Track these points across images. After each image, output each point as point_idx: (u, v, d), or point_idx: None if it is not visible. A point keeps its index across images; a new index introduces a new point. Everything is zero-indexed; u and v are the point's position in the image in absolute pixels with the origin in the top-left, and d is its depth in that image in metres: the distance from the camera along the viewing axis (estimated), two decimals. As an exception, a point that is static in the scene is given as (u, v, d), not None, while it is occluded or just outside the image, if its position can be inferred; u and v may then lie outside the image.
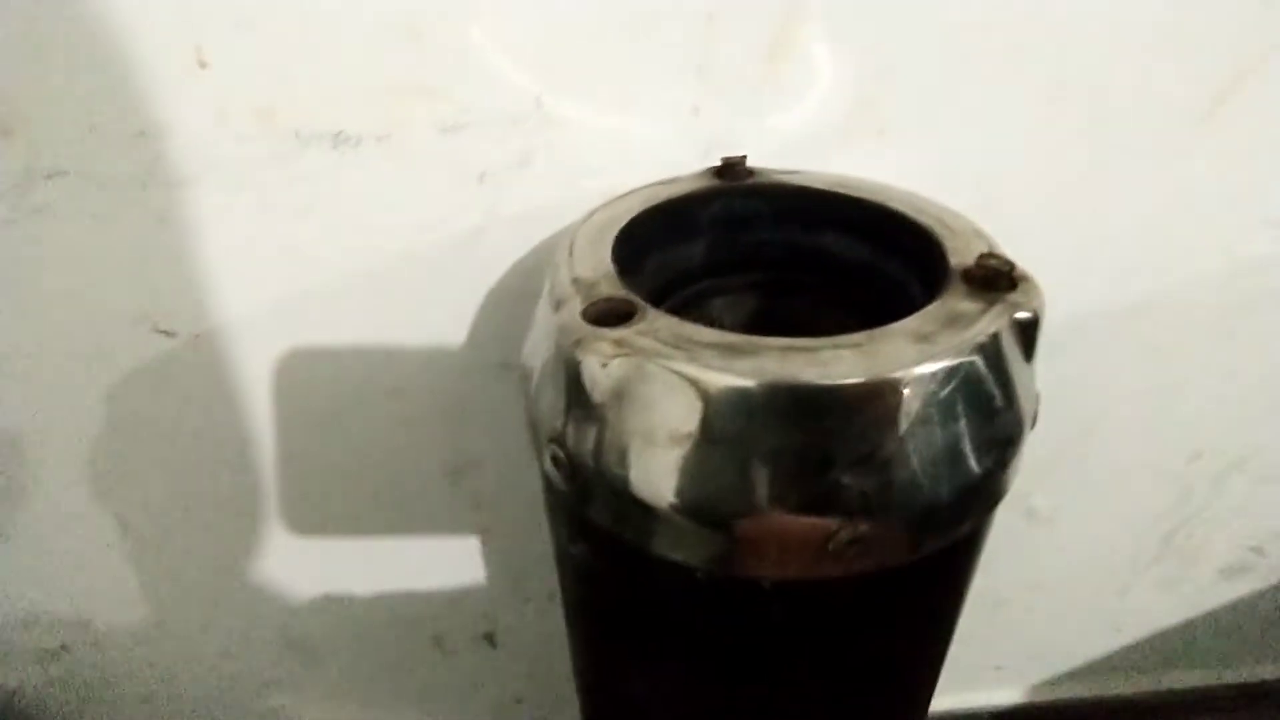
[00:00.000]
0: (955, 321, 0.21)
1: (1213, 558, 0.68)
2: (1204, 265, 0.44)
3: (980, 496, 0.23)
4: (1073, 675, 0.80)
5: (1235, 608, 0.72)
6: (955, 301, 0.22)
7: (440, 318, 0.40)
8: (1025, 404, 0.23)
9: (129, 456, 0.47)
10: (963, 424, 0.21)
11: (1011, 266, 0.23)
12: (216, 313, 0.40)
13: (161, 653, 0.58)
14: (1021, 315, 0.22)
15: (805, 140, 0.33)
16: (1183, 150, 0.37)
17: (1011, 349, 0.22)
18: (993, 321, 0.22)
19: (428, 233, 0.36)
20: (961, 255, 0.24)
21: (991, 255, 0.23)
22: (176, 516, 0.50)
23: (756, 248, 0.31)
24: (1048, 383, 0.48)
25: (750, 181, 0.30)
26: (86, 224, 0.36)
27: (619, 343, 0.21)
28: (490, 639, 0.62)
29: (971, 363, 0.21)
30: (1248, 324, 0.48)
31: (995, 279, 0.23)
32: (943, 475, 0.21)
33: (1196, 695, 0.84)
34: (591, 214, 0.28)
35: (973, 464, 0.22)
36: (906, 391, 0.20)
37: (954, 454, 0.21)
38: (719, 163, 0.31)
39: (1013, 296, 0.22)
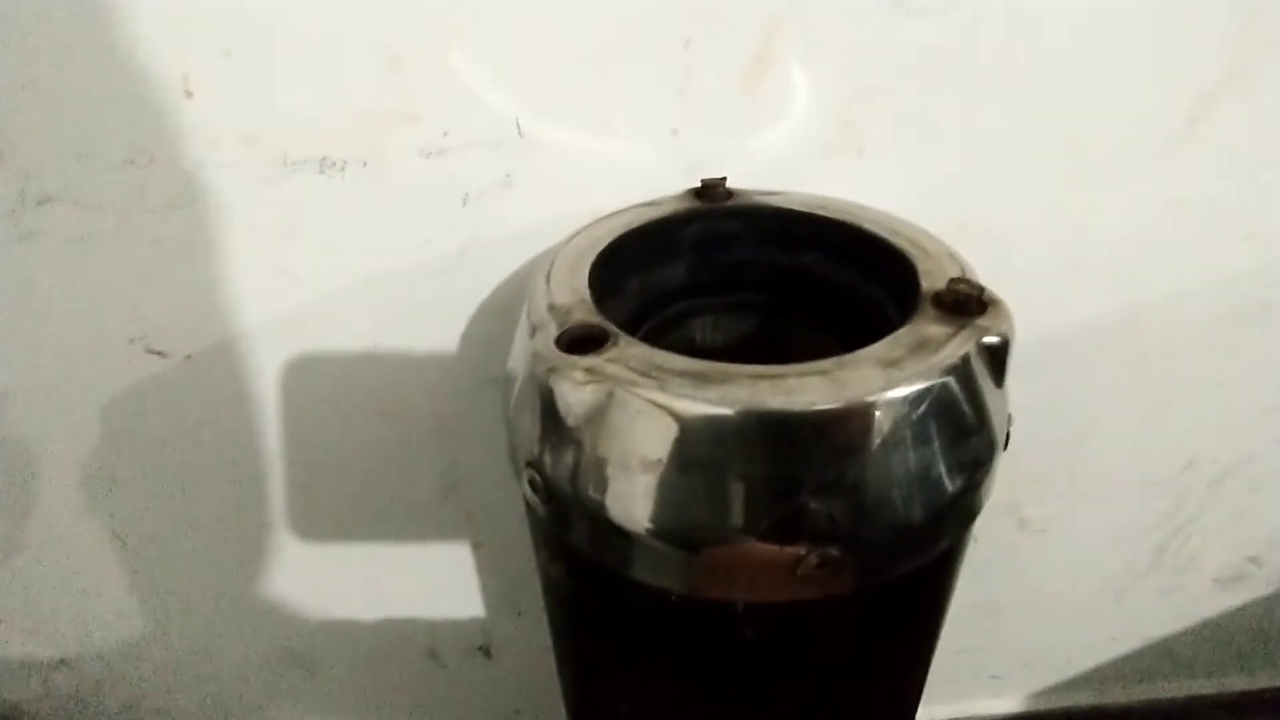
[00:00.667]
0: (923, 346, 0.22)
1: (1208, 567, 0.68)
2: (1188, 279, 0.44)
3: (952, 517, 0.23)
4: (1069, 684, 0.80)
5: (1232, 616, 0.72)
6: (925, 325, 0.23)
7: (429, 335, 0.40)
8: (996, 425, 0.24)
9: (125, 475, 0.47)
10: (932, 447, 0.21)
11: (980, 290, 0.23)
12: (207, 334, 0.40)
13: (161, 666, 0.58)
14: (990, 339, 0.22)
15: (785, 160, 0.33)
16: (1161, 167, 0.37)
17: (980, 372, 0.22)
18: (960, 346, 0.22)
19: (414, 253, 0.36)
20: (933, 279, 0.25)
21: (962, 280, 0.24)
22: (174, 533, 0.51)
23: (736, 268, 0.31)
24: (1037, 395, 0.48)
25: (730, 203, 0.31)
26: (78, 248, 0.36)
27: (591, 370, 0.21)
28: (485, 651, 0.63)
29: (939, 387, 0.21)
30: (1234, 335, 0.48)
31: (964, 303, 0.23)
32: (913, 498, 0.21)
33: (1193, 703, 0.84)
34: (572, 237, 0.29)
35: (943, 486, 0.22)
36: (874, 417, 0.20)
37: (924, 477, 0.22)
38: (699, 183, 0.32)
39: (981, 321, 0.23)
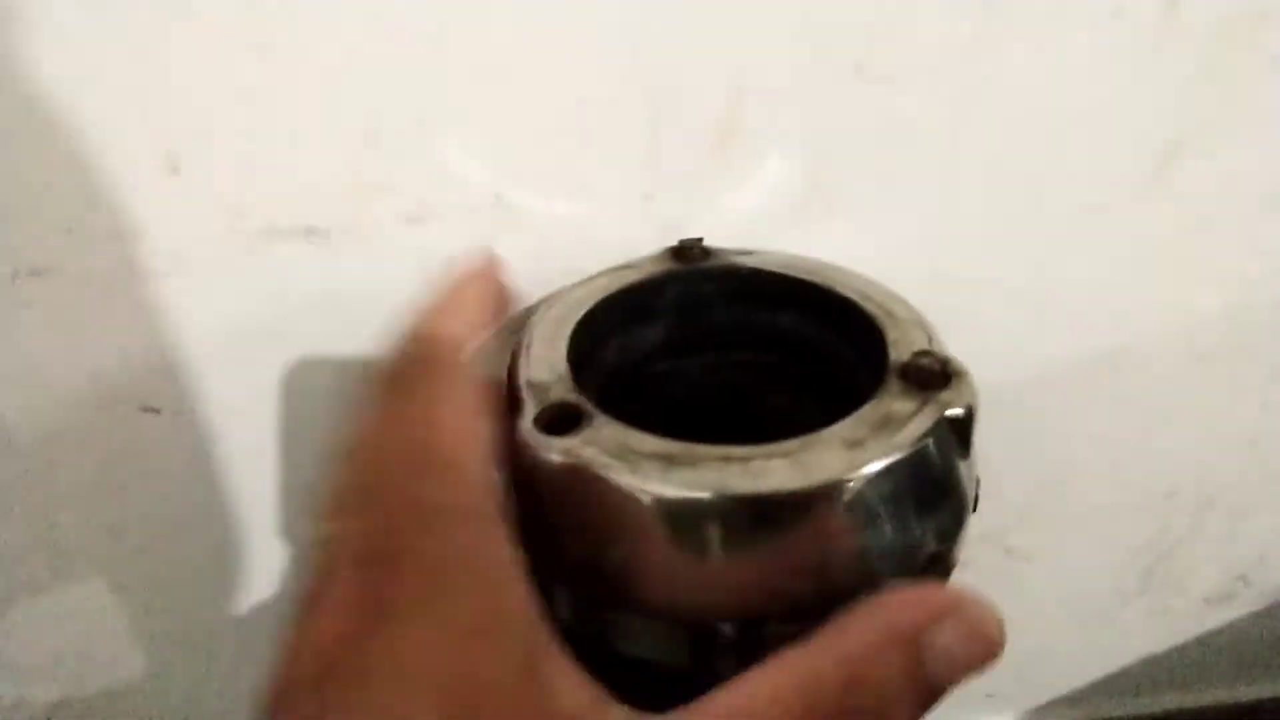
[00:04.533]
0: (886, 424, 0.22)
1: (1196, 587, 0.68)
2: (1158, 322, 0.45)
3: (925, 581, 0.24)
4: (1063, 700, 0.80)
5: (1223, 632, 0.73)
6: (889, 401, 0.23)
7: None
8: (964, 491, 0.24)
9: (121, 523, 0.48)
10: (899, 522, 0.22)
11: (945, 363, 0.24)
12: (200, 392, 0.41)
13: (160, 704, 0.59)
14: (953, 413, 0.23)
15: (760, 219, 0.33)
16: (1128, 218, 0.38)
17: (944, 444, 0.23)
18: (923, 422, 0.22)
19: (400, 315, 0.37)
20: (901, 348, 0.25)
21: (926, 353, 0.24)
22: (169, 576, 0.51)
23: (714, 329, 0.32)
24: (1018, 431, 0.50)
25: (705, 265, 0.31)
26: (70, 316, 0.37)
27: (566, 452, 0.22)
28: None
29: (902, 463, 0.22)
30: (1205, 374, 0.49)
31: (929, 377, 0.24)
32: (882, 571, 0.22)
33: (1187, 715, 0.84)
34: (550, 304, 0.29)
35: (913, 556, 0.23)
36: (839, 498, 0.21)
37: (892, 549, 0.22)
38: (676, 243, 0.32)
39: (945, 394, 0.23)
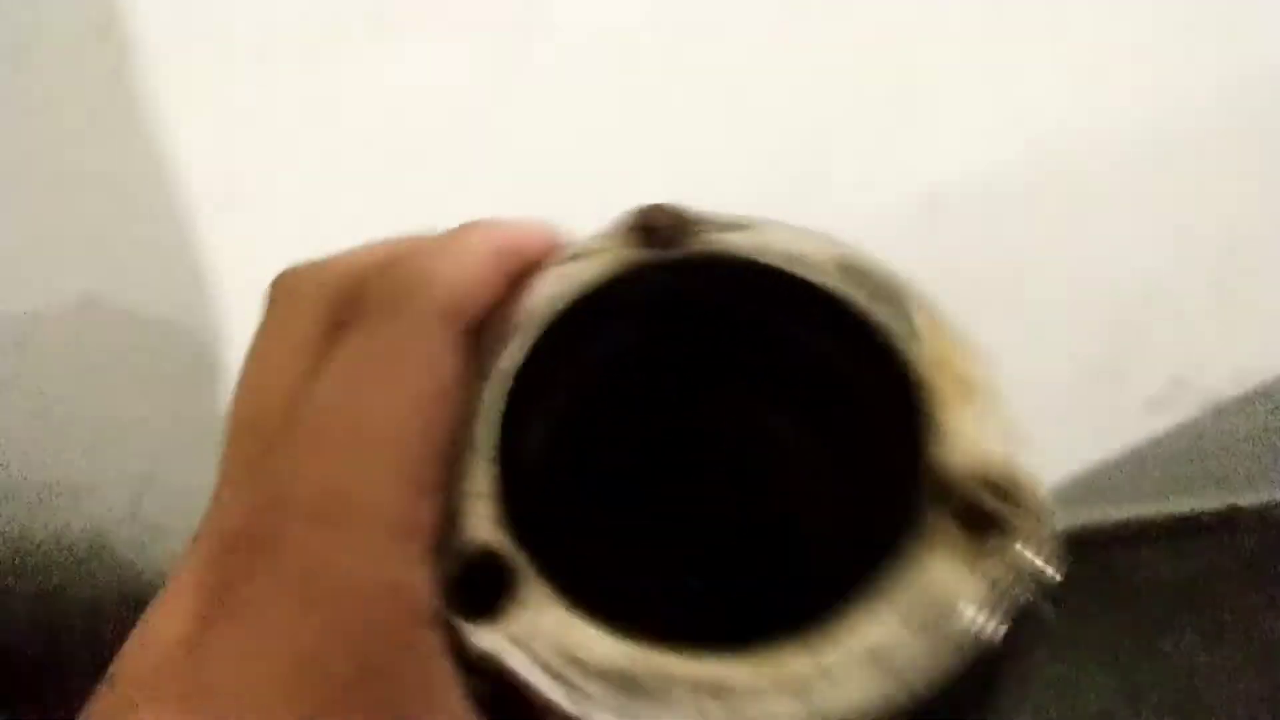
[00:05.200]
0: (933, 612, 0.16)
1: (1138, 389, 0.73)
2: (1107, 123, 0.50)
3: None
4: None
5: (1162, 441, 0.76)
6: (932, 565, 0.17)
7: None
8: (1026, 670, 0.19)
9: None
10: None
11: (1013, 484, 0.17)
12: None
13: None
14: (1030, 590, 0.16)
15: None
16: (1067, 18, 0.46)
17: (1018, 632, 0.17)
18: (990, 607, 0.16)
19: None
20: (955, 449, 0.18)
21: (993, 484, 0.17)
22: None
23: (693, 338, 0.24)
24: (972, 232, 0.55)
25: (682, 254, 0.23)
26: None
27: (486, 653, 0.16)
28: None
29: (960, 682, 0.16)
30: (1148, 176, 0.55)
31: (983, 517, 0.17)
32: None
33: (1134, 527, 0.88)
34: (482, 364, 0.21)
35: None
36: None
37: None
38: (640, 215, 0.23)
39: (1014, 548, 0.17)
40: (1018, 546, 0.16)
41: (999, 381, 0.19)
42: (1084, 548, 0.91)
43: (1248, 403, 0.78)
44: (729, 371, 0.24)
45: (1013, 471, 0.17)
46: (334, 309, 0.19)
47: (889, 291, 0.21)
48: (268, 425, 0.17)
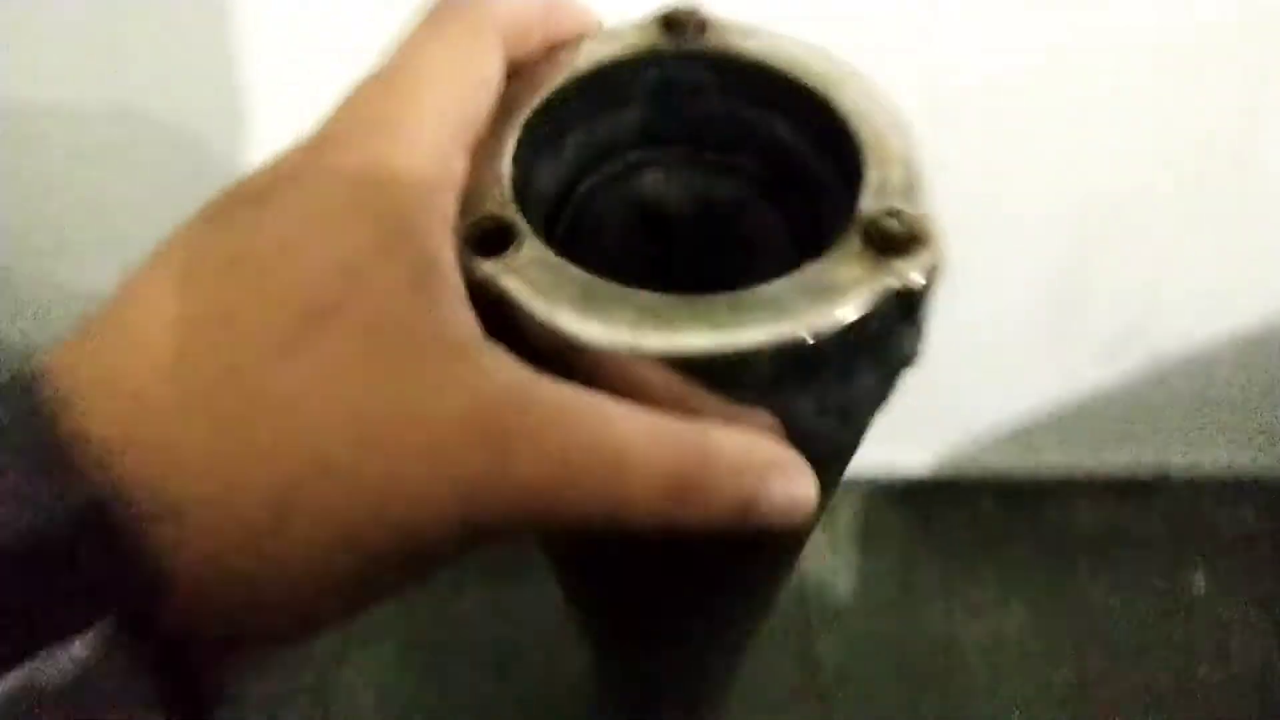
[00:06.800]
0: (826, 293, 0.21)
1: (1097, 327, 0.75)
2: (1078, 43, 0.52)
3: (835, 444, 0.23)
4: (972, 447, 0.90)
5: (1106, 394, 0.78)
6: (839, 264, 0.21)
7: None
8: (906, 358, 0.23)
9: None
10: (823, 390, 0.22)
11: (913, 228, 0.22)
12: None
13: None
14: (906, 287, 0.21)
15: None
16: None
17: (887, 322, 0.21)
18: (866, 300, 0.21)
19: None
20: (875, 196, 0.23)
21: (896, 212, 0.22)
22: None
23: (696, 121, 0.29)
24: (945, 134, 0.54)
25: (697, 46, 0.27)
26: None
27: (486, 279, 0.21)
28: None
29: (831, 342, 0.20)
30: (1119, 94, 0.56)
31: (890, 244, 0.21)
32: (802, 422, 0.22)
33: (1066, 479, 0.92)
34: (510, 82, 0.26)
35: (829, 422, 0.22)
36: (754, 368, 0.20)
37: (808, 411, 0.22)
38: (668, 9, 0.28)
39: (904, 264, 0.21)
40: (905, 262, 0.21)
41: (919, 157, 0.23)
42: (1017, 495, 0.95)
43: (1188, 364, 0.81)
44: (712, 148, 0.29)
45: (914, 213, 0.22)
46: None
47: (854, 92, 0.25)
48: None
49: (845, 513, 0.95)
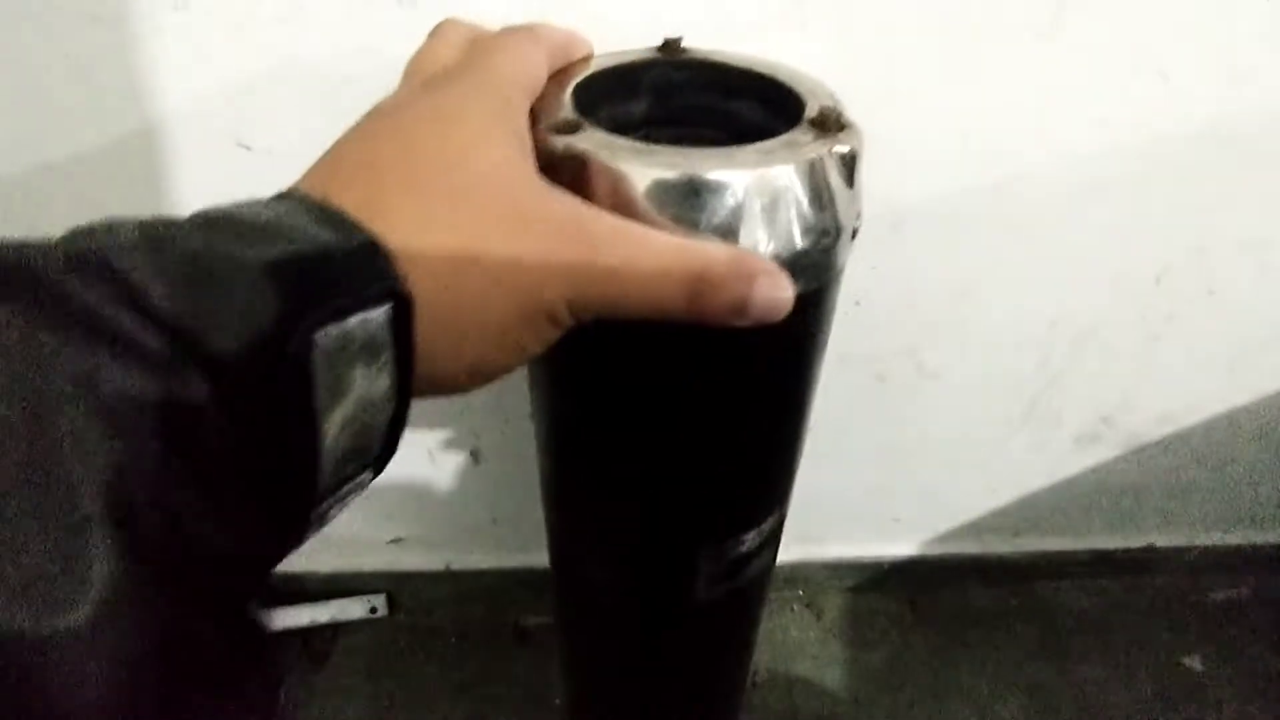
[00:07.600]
0: (791, 146, 0.32)
1: (1069, 423, 0.80)
2: (1049, 155, 0.55)
3: (802, 266, 0.33)
4: (959, 532, 0.93)
5: (1087, 477, 0.85)
6: (796, 136, 0.33)
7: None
8: (842, 211, 0.34)
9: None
10: (789, 212, 0.32)
11: (841, 117, 0.34)
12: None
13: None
14: (841, 149, 0.33)
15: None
16: (1026, 59, 0.48)
17: (832, 170, 0.33)
18: (818, 149, 0.32)
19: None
20: (813, 111, 0.35)
21: (830, 109, 0.34)
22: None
23: (684, 109, 0.41)
24: (931, 248, 0.60)
25: (682, 57, 0.40)
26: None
27: (568, 145, 0.32)
28: (475, 455, 0.74)
29: (798, 169, 0.31)
30: (1085, 209, 0.59)
31: (828, 124, 0.33)
32: (771, 241, 0.32)
33: (1056, 560, 0.97)
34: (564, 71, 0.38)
35: (794, 240, 0.32)
36: (751, 185, 0.31)
37: (780, 231, 0.32)
38: (662, 41, 0.41)
39: (840, 136, 0.33)
40: (842, 135, 0.33)
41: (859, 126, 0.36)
42: (1009, 576, 1.00)
43: (1168, 446, 0.85)
44: (694, 126, 0.41)
45: (843, 111, 0.34)
46: (466, 43, 0.35)
47: (787, 73, 0.38)
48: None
49: (833, 603, 0.97)
